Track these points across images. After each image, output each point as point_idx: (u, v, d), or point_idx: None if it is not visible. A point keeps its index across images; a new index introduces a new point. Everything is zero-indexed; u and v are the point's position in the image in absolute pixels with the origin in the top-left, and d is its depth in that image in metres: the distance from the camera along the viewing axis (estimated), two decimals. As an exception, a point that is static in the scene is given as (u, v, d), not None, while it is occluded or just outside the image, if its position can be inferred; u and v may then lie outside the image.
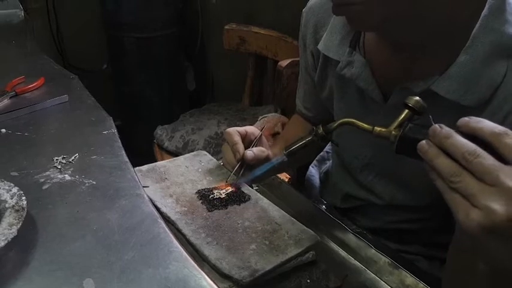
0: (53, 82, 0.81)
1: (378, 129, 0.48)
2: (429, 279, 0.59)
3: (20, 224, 0.42)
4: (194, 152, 0.72)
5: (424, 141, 0.41)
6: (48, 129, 0.68)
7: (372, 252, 0.63)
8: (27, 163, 0.57)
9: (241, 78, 1.70)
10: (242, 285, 0.47)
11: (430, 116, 0.44)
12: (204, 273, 0.42)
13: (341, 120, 0.53)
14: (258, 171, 0.63)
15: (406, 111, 0.46)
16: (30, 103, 0.72)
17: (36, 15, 1.83)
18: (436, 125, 0.41)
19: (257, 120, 1.46)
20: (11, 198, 0.45)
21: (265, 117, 1.47)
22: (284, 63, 1.21)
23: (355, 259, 0.63)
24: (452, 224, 0.60)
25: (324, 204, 0.87)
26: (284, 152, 0.59)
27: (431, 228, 0.76)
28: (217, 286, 0.42)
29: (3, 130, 0.65)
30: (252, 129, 0.69)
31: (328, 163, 0.98)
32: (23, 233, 0.44)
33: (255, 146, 0.68)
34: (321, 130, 0.55)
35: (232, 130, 0.67)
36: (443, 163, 0.39)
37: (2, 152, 0.61)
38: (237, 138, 0.66)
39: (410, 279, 0.59)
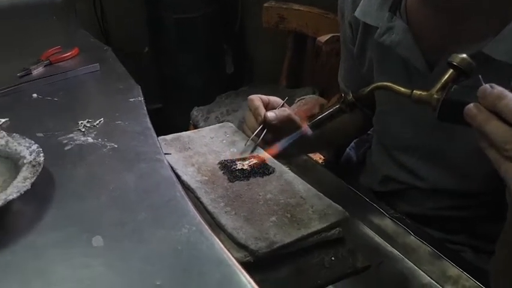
0: (87, 53, 0.82)
1: (417, 93, 0.44)
2: (475, 272, 0.53)
3: (34, 178, 0.41)
4: (220, 124, 0.70)
5: (472, 105, 0.36)
6: (77, 95, 0.69)
7: (411, 239, 0.58)
8: (53, 125, 0.58)
9: (280, 60, 1.65)
10: (258, 256, 0.44)
11: (480, 76, 0.38)
12: (216, 238, 0.40)
13: (375, 84, 0.48)
14: (282, 144, 0.60)
15: (451, 71, 0.41)
16: (62, 71, 0.73)
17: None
18: (487, 85, 0.35)
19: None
20: (30, 155, 0.45)
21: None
22: (323, 38, 1.15)
23: (392, 246, 0.59)
24: (503, 213, 0.53)
25: (361, 187, 0.82)
26: (308, 124, 0.56)
27: (480, 217, 0.68)
28: (232, 254, 0.39)
29: (35, 95, 0.66)
30: (275, 98, 0.67)
31: (367, 145, 0.93)
32: (40, 189, 0.44)
33: None
34: (350, 97, 0.51)
35: (255, 96, 0.65)
36: (496, 128, 0.34)
37: (31, 114, 0.62)
38: (259, 103, 0.64)
39: (453, 269, 0.54)
